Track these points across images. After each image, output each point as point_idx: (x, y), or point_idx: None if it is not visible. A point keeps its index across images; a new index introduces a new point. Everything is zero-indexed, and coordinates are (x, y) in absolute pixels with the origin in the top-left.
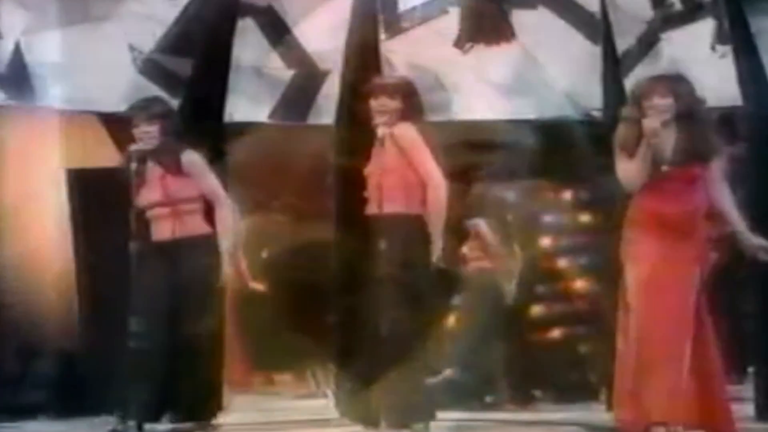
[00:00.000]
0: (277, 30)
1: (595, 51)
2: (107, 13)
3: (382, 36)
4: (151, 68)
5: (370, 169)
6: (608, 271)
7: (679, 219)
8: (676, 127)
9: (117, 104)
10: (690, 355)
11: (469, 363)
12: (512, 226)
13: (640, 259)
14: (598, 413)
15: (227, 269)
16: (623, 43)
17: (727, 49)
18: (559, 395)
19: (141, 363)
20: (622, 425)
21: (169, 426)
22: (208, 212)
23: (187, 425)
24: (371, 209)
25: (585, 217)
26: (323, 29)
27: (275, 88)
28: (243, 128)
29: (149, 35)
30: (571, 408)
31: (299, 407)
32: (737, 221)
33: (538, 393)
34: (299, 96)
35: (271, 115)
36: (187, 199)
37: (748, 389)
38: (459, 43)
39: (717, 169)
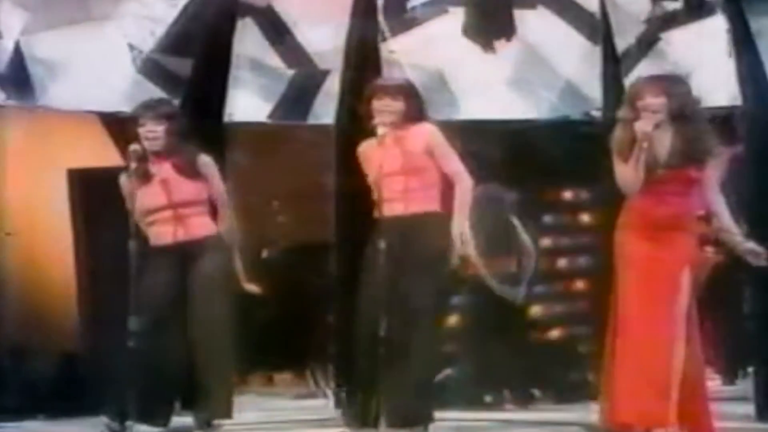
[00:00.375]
0: (276, 29)
1: (595, 51)
2: (107, 13)
3: (382, 36)
4: (151, 68)
5: (373, 168)
6: (608, 272)
7: (671, 221)
8: (671, 129)
9: (117, 104)
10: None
11: (469, 363)
12: (516, 226)
13: (632, 261)
14: (597, 413)
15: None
16: (623, 42)
17: (726, 47)
18: (559, 395)
19: (140, 363)
20: (612, 427)
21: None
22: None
23: (194, 425)
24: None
25: (585, 217)
26: (323, 29)
27: (275, 87)
28: (243, 128)
29: (149, 35)
30: (570, 408)
31: (298, 407)
32: (729, 225)
33: (537, 393)
34: (299, 96)
35: (271, 115)
36: (198, 201)
37: (748, 389)
38: (474, 36)
39: (712, 172)
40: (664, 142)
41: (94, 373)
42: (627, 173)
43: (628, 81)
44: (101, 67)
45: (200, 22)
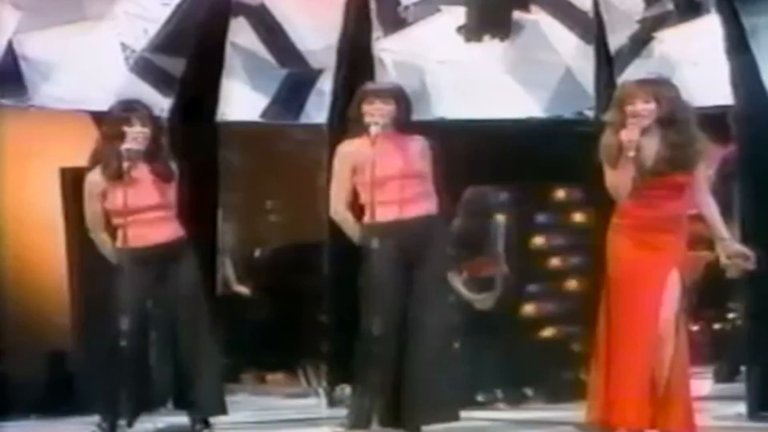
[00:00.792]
0: (269, 29)
1: (588, 50)
2: (100, 13)
3: (375, 35)
4: (144, 67)
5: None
6: (601, 271)
7: (660, 224)
8: (658, 134)
9: (109, 103)
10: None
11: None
12: (501, 227)
13: (620, 262)
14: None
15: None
16: (616, 42)
17: (719, 47)
18: (552, 394)
19: (131, 362)
20: (599, 427)
21: (160, 425)
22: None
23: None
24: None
25: (578, 217)
26: (316, 28)
27: (268, 87)
28: (235, 127)
29: (142, 34)
30: (563, 407)
31: (291, 406)
32: (720, 228)
33: (530, 392)
34: (292, 95)
35: (264, 114)
36: (171, 205)
37: (740, 388)
38: (467, 35)
39: (701, 176)
40: (651, 148)
41: (86, 372)
42: (616, 180)
43: (622, 80)
44: (94, 67)
45: (193, 21)
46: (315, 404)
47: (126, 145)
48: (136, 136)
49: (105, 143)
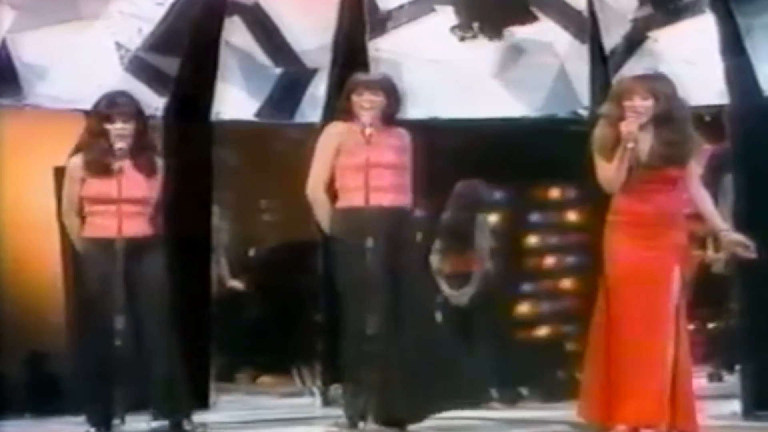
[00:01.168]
0: (264, 28)
1: (583, 49)
2: (94, 12)
3: (370, 34)
4: (138, 66)
5: (357, 163)
6: (595, 270)
7: (655, 218)
8: (653, 130)
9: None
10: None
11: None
12: (485, 224)
13: (621, 261)
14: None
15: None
16: (610, 41)
17: (713, 46)
18: (547, 394)
19: (121, 362)
20: (598, 426)
21: (154, 424)
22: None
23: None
24: (357, 201)
25: (572, 216)
26: (311, 28)
27: (263, 86)
28: (230, 126)
29: (136, 33)
30: (558, 406)
31: (285, 405)
32: (717, 220)
33: (525, 391)
34: (286, 94)
35: (259, 114)
36: (148, 201)
37: (735, 387)
38: (460, 33)
39: (694, 170)
40: (645, 143)
41: (79, 372)
42: (609, 172)
43: (616, 79)
44: (89, 66)
45: (188, 20)
46: (309, 403)
47: (119, 144)
48: (118, 134)
49: (88, 138)
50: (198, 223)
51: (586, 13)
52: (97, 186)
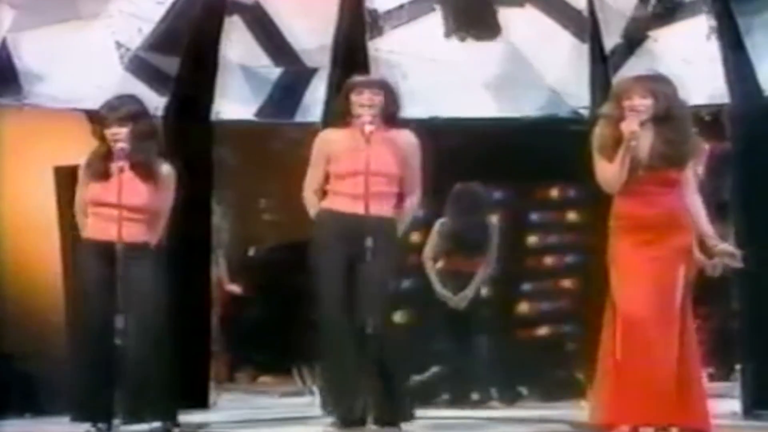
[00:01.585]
0: (264, 28)
1: (583, 48)
2: (94, 11)
3: (370, 34)
4: (138, 66)
5: (354, 168)
6: (595, 269)
7: (658, 220)
8: (653, 129)
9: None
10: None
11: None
12: (491, 227)
13: (628, 265)
14: (584, 411)
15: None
16: (611, 40)
17: (714, 46)
18: (546, 393)
19: (122, 362)
20: (605, 425)
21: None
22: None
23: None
24: (355, 208)
25: (572, 215)
26: (311, 27)
27: (263, 86)
28: (230, 126)
29: (136, 33)
30: (557, 406)
31: (285, 405)
32: (705, 226)
33: (524, 390)
34: (287, 94)
35: (259, 113)
36: (144, 208)
37: (735, 386)
38: (446, 35)
39: (690, 173)
40: (645, 143)
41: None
42: (610, 172)
43: (615, 79)
44: (88, 65)
45: (188, 19)
46: (309, 403)
47: (120, 145)
48: (113, 138)
49: (94, 141)
50: (198, 222)
51: (586, 13)
52: (96, 189)
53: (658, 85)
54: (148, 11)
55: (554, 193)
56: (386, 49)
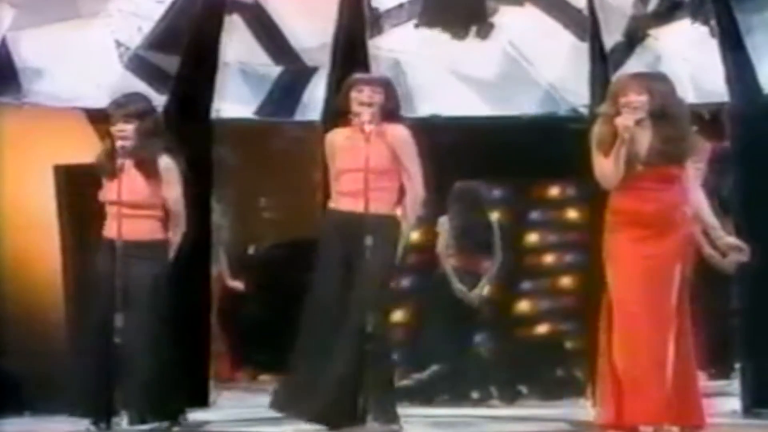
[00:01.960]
0: (264, 26)
1: (583, 47)
2: (94, 10)
3: (370, 33)
4: (138, 64)
5: (354, 165)
6: (595, 268)
7: (656, 217)
8: (651, 127)
9: (104, 100)
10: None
11: (456, 359)
12: (494, 225)
13: (625, 261)
14: (584, 409)
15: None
16: (611, 39)
17: (714, 44)
18: (546, 391)
19: (122, 361)
20: (608, 425)
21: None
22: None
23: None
24: (355, 206)
25: (572, 214)
26: (311, 26)
27: (262, 84)
28: (230, 124)
29: (136, 31)
30: (557, 404)
31: None
32: (711, 221)
33: (524, 389)
34: (286, 92)
35: (258, 112)
36: (148, 204)
37: (735, 385)
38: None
39: (692, 169)
40: (644, 140)
41: (79, 370)
42: (607, 167)
43: (616, 76)
44: (88, 64)
45: (188, 18)
46: None
47: (120, 143)
48: (118, 135)
49: (103, 140)
50: (198, 221)
51: (586, 12)
52: (106, 188)
53: (653, 82)
54: (147, 10)
55: (554, 191)
56: (387, 47)
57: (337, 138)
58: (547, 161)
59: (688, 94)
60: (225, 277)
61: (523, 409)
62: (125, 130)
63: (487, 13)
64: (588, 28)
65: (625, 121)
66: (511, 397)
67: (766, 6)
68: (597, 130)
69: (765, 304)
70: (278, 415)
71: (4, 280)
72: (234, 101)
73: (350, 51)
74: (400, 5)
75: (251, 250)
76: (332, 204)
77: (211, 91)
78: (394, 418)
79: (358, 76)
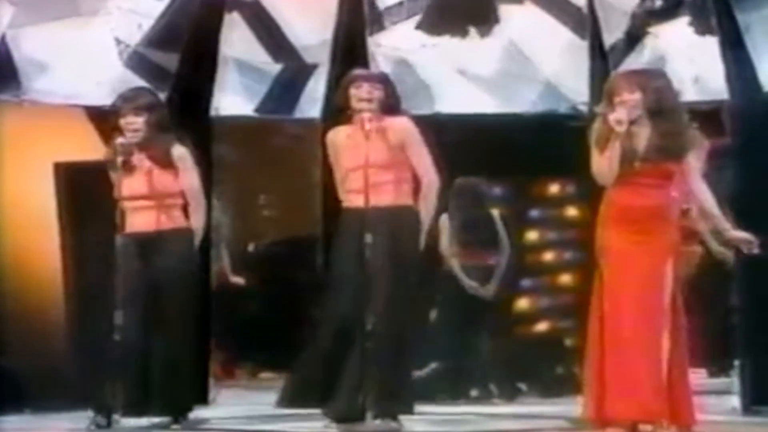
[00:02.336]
0: (264, 24)
1: (582, 45)
2: (93, 8)
3: (370, 30)
4: (138, 62)
5: (356, 163)
6: (594, 265)
7: (649, 214)
8: (648, 124)
9: (103, 98)
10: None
11: (455, 357)
12: (498, 221)
13: (615, 255)
14: (581, 408)
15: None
16: (611, 37)
17: (713, 42)
18: (545, 389)
19: (124, 357)
20: (599, 423)
21: (152, 420)
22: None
23: (168, 419)
24: (357, 202)
25: (572, 211)
26: (310, 23)
27: (262, 81)
28: (229, 122)
29: (135, 29)
30: (556, 401)
31: None
32: (718, 216)
33: (523, 386)
34: (286, 90)
35: (258, 109)
36: (172, 194)
37: (734, 383)
38: (422, 27)
39: (693, 165)
40: (642, 137)
41: (80, 367)
42: (602, 163)
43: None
44: (88, 61)
45: (187, 16)
46: None
47: (119, 140)
48: (128, 128)
49: (110, 136)
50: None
51: (585, 10)
52: (121, 183)
53: (646, 78)
54: (147, 7)
55: (554, 189)
56: (386, 45)
57: (339, 137)
58: (547, 159)
59: (688, 91)
60: (227, 273)
61: (523, 406)
62: (136, 123)
63: (487, 12)
64: (588, 26)
65: (618, 115)
66: (510, 394)
67: (766, 4)
68: (595, 128)
69: (764, 301)
70: (277, 412)
71: (4, 277)
72: (234, 98)
73: (350, 48)
74: (400, 3)
75: (251, 248)
76: (345, 203)
77: (211, 88)
78: (394, 415)
79: (356, 72)
